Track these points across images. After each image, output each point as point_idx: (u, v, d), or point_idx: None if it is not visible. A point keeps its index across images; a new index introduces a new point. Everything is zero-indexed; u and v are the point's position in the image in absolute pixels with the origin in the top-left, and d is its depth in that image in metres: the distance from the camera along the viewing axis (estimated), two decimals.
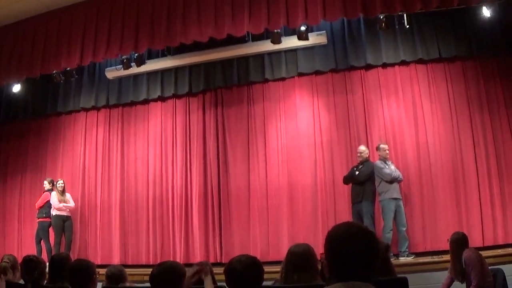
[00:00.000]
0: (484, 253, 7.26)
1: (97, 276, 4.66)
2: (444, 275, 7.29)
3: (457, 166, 10.01)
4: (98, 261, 11.25)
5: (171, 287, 3.84)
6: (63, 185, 11.62)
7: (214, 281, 5.48)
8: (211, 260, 10.37)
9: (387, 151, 9.77)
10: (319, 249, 9.30)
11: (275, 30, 9.61)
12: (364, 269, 2.37)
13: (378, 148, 9.86)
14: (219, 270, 5.41)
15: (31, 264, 4.79)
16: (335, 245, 2.42)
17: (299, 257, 4.74)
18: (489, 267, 6.80)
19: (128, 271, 6.32)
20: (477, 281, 6.56)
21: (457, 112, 10.21)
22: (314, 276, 4.65)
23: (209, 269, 4.80)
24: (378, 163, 9.62)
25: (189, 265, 5.34)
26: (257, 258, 3.98)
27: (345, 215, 10.08)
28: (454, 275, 6.99)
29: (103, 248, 11.96)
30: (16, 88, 12.02)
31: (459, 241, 6.98)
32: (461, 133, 10.12)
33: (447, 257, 8.05)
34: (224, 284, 4.67)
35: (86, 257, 10.17)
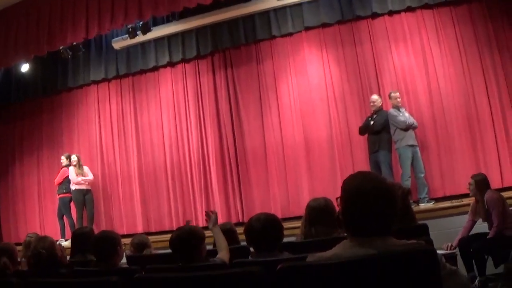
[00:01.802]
0: (504, 194, 7.28)
1: (123, 247, 4.71)
2: (465, 219, 7.32)
3: (470, 109, 9.96)
4: (124, 231, 11.41)
5: (190, 251, 3.90)
6: (76, 159, 11.66)
7: (236, 241, 5.56)
8: (233, 220, 10.47)
9: (399, 99, 9.72)
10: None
11: None
12: (381, 225, 2.34)
13: (389, 97, 9.83)
14: (241, 229, 5.48)
15: (38, 258, 4.82)
16: (350, 200, 2.38)
17: (316, 211, 4.79)
18: (510, 208, 6.83)
19: (152, 238, 6.41)
20: (498, 222, 6.61)
21: (467, 55, 10.12)
22: (332, 229, 4.70)
23: (214, 218, 4.81)
24: (392, 111, 9.59)
25: None
26: (276, 216, 4.03)
27: (362, 166, 10.11)
28: (476, 216, 7.04)
29: (127, 218, 12.10)
30: (25, 67, 12.07)
31: (482, 182, 7.02)
32: (472, 75, 10.04)
33: (467, 200, 8.13)
34: (244, 243, 4.74)
35: (112, 229, 10.29)
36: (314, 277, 2.33)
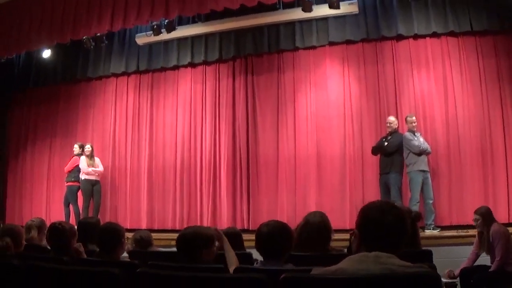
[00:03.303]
0: (510, 230, 7.24)
1: (126, 240, 4.72)
2: (469, 250, 7.30)
3: (485, 141, 9.93)
4: (127, 226, 11.40)
5: (194, 251, 3.84)
6: (90, 149, 11.72)
7: (241, 246, 5.54)
8: (238, 226, 10.38)
9: (415, 123, 9.72)
10: (345, 218, 9.39)
11: None
12: (393, 241, 2.47)
13: (406, 120, 9.82)
14: (246, 236, 5.48)
15: (56, 232, 4.85)
16: (369, 216, 2.55)
17: (314, 226, 4.74)
18: None
19: (154, 235, 6.42)
20: (502, 255, 6.57)
21: (487, 87, 10.09)
22: (326, 245, 4.68)
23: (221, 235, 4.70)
24: (407, 134, 9.59)
25: None
26: (287, 225, 4.00)
27: (372, 186, 10.14)
28: (481, 248, 7.01)
29: (132, 212, 12.13)
30: (46, 53, 12.12)
31: (488, 214, 7.00)
32: (491, 108, 10.02)
33: (472, 231, 8.09)
34: (249, 251, 4.73)
35: (116, 221, 10.31)
36: None
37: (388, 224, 2.47)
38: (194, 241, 3.86)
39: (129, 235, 6.28)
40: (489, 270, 6.71)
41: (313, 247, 4.61)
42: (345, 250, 4.83)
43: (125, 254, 5.11)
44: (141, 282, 2.95)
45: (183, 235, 3.94)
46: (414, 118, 9.77)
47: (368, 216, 2.55)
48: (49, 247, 5.14)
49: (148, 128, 12.42)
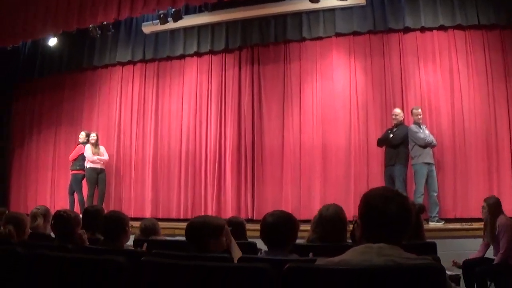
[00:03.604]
0: None
1: (130, 229, 4.72)
2: (473, 243, 7.31)
3: (490, 135, 9.92)
4: (131, 214, 11.40)
5: (201, 240, 3.82)
6: (95, 138, 11.71)
7: (244, 236, 5.54)
8: (243, 216, 10.34)
9: (419, 116, 9.69)
10: (350, 210, 9.38)
11: None
12: (396, 232, 2.43)
13: (411, 112, 9.81)
14: (250, 226, 5.48)
15: (61, 220, 4.87)
16: (372, 203, 2.48)
17: (328, 218, 4.76)
18: None
19: (159, 224, 6.42)
20: (506, 248, 6.57)
21: (494, 81, 10.06)
22: (342, 237, 4.69)
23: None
24: (413, 127, 9.58)
25: None
26: (292, 215, 4.00)
27: (377, 178, 10.14)
28: (485, 237, 7.01)
29: (136, 201, 12.17)
30: (52, 41, 12.12)
31: (495, 205, 6.99)
32: (497, 102, 10.00)
33: (477, 224, 8.10)
34: (254, 241, 4.74)
35: (120, 210, 10.33)
36: (320, 280, 2.34)
37: (392, 213, 2.41)
38: (201, 230, 3.84)
39: (135, 223, 6.31)
40: (493, 262, 6.72)
41: (330, 239, 4.62)
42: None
43: (130, 243, 5.12)
44: (145, 270, 2.96)
45: (191, 224, 3.94)
46: (419, 110, 9.75)
47: (370, 204, 2.49)
48: (53, 235, 5.15)
49: (154, 117, 12.43)
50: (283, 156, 11.20)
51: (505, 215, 6.93)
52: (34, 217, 6.00)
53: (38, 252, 3.48)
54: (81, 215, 5.60)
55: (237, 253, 4.15)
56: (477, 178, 9.80)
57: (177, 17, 11.08)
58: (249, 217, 10.86)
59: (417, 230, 4.89)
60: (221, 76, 11.97)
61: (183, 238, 4.03)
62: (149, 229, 5.99)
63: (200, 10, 11.65)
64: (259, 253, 4.11)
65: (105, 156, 11.84)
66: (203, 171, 11.75)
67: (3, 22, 10.90)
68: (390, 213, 2.40)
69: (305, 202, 10.69)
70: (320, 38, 11.19)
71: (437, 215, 9.23)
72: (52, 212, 5.48)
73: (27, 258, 3.39)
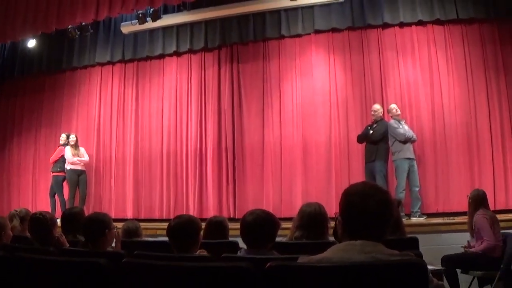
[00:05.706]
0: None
1: (116, 230, 4.66)
2: (456, 237, 7.35)
3: (471, 129, 9.98)
4: (112, 215, 11.33)
5: (188, 240, 3.88)
6: (75, 139, 11.68)
7: (225, 236, 5.53)
8: (224, 215, 10.36)
9: (395, 110, 9.71)
10: (331, 207, 9.41)
11: None
12: (377, 228, 2.41)
13: (387, 111, 9.85)
14: (232, 225, 5.47)
15: (37, 222, 4.83)
16: (352, 200, 2.46)
17: (309, 217, 4.78)
18: (500, 231, 6.80)
19: (141, 225, 6.40)
20: (485, 244, 6.59)
21: (473, 75, 10.12)
22: (323, 235, 4.71)
23: None
24: (392, 122, 9.60)
25: (203, 220, 5.37)
26: (272, 214, 4.01)
27: (358, 174, 10.15)
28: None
29: (117, 202, 12.12)
30: (31, 43, 12.08)
31: (476, 198, 7.01)
32: (476, 96, 10.06)
33: (459, 219, 8.18)
34: (235, 239, 4.73)
35: (100, 211, 10.29)
36: (301, 278, 2.35)
37: (371, 209, 2.39)
38: (188, 229, 3.90)
39: (118, 225, 6.27)
40: (474, 252, 6.73)
41: (311, 237, 4.64)
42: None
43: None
44: (127, 272, 2.94)
45: (177, 224, 3.95)
46: (395, 105, 9.80)
47: (350, 201, 2.47)
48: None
49: (134, 117, 12.38)
50: (264, 153, 11.20)
51: (484, 210, 6.89)
52: (11, 219, 5.97)
53: (18, 254, 3.45)
54: None
55: None
56: (459, 172, 9.86)
57: (155, 16, 11.07)
58: (231, 216, 10.84)
59: (397, 225, 4.91)
60: (200, 75, 11.94)
61: (166, 239, 4.03)
62: (132, 231, 5.96)
63: (178, 9, 11.63)
64: (238, 252, 4.10)
65: (85, 158, 11.79)
66: (184, 170, 11.72)
67: None
68: (370, 209, 2.39)
69: (286, 199, 10.71)
70: (299, 36, 11.21)
71: (419, 210, 9.26)
72: None
73: (7, 261, 3.36)
